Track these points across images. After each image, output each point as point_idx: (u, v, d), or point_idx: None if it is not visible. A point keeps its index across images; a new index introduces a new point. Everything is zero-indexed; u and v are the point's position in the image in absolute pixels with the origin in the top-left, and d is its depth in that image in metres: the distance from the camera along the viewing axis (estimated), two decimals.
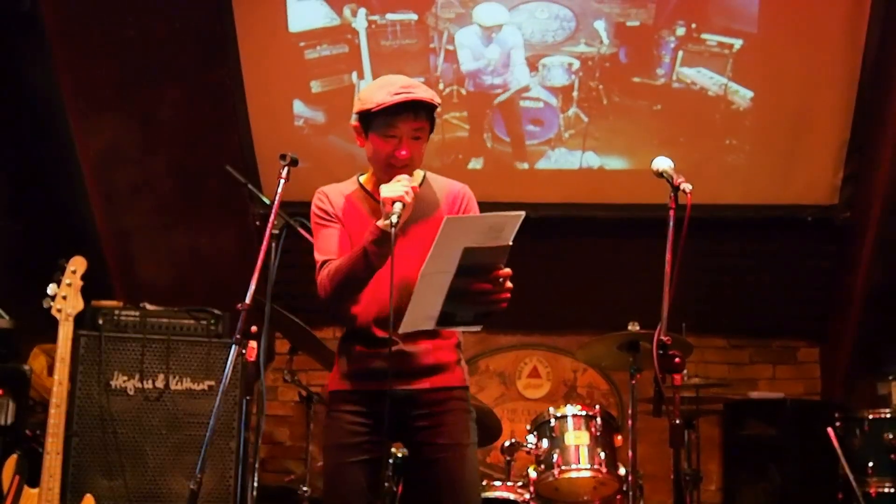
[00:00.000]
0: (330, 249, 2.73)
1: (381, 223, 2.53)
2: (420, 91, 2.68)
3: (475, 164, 5.56)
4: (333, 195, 2.82)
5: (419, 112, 2.67)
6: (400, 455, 3.93)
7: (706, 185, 5.07)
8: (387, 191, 2.55)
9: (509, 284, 2.51)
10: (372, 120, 2.68)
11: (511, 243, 2.46)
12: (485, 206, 2.80)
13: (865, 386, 5.37)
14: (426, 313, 2.52)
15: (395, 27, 5.34)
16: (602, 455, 4.04)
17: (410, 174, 2.69)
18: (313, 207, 2.82)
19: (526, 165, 5.62)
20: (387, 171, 2.69)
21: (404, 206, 2.52)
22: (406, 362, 2.68)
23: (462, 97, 5.45)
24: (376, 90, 2.69)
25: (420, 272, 2.45)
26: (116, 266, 5.38)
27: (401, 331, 2.55)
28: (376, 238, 2.54)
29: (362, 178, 2.85)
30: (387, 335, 2.61)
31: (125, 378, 3.93)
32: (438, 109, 2.75)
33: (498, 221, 2.43)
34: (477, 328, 2.60)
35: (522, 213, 2.45)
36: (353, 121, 2.75)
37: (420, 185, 2.76)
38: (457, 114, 5.49)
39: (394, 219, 2.48)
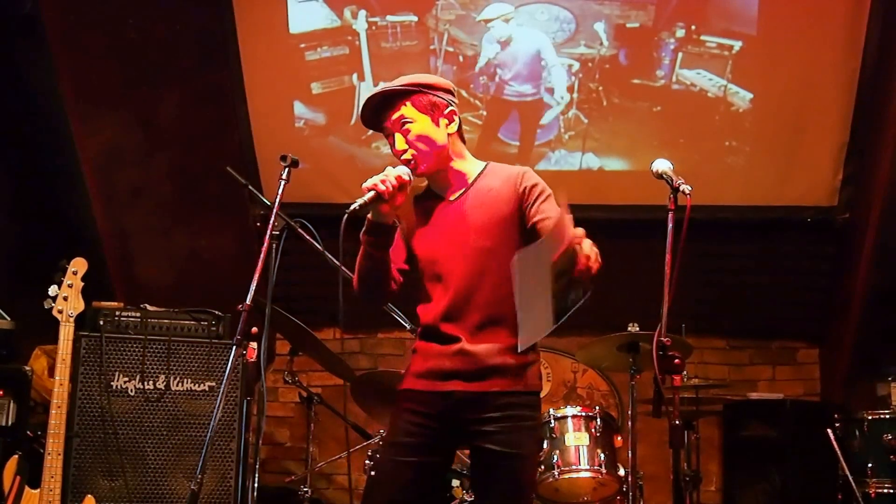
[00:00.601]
0: None
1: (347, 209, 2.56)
2: (379, 89, 2.72)
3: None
4: None
5: (392, 103, 2.68)
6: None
7: (706, 187, 5.09)
8: (367, 181, 2.59)
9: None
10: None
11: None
12: None
13: (865, 387, 5.38)
14: (540, 324, 2.43)
15: (396, 29, 5.35)
16: (602, 456, 4.04)
17: (429, 163, 2.69)
18: None
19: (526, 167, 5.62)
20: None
21: (376, 193, 2.54)
22: (470, 362, 2.62)
23: (463, 99, 5.46)
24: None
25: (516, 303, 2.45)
26: (117, 267, 5.38)
27: (520, 348, 2.52)
28: (365, 228, 2.62)
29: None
30: (455, 333, 2.62)
31: (126, 379, 3.93)
32: (430, 89, 2.72)
33: (550, 243, 2.39)
34: (586, 297, 2.49)
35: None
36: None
37: (478, 175, 2.77)
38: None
39: (354, 205, 2.53)
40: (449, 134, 2.74)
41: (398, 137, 2.68)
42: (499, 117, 5.53)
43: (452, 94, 2.77)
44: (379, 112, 2.71)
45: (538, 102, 5.50)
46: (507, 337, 2.62)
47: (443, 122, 2.72)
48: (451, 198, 2.75)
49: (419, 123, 2.68)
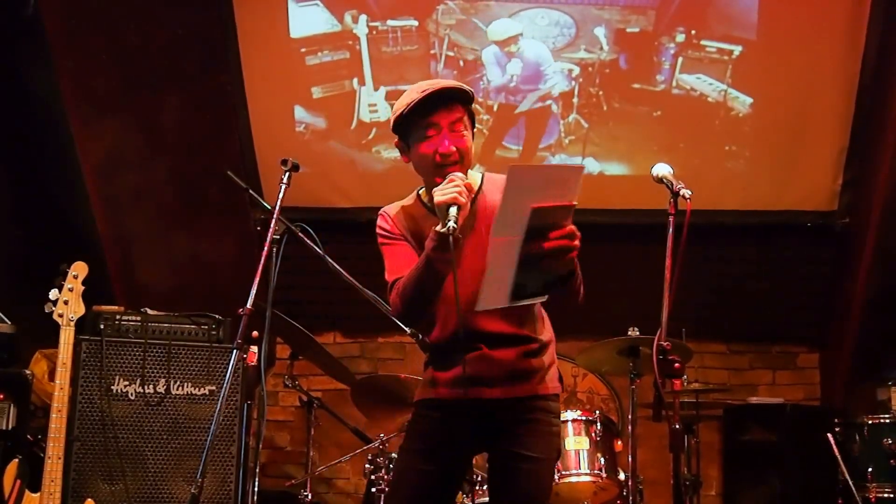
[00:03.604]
0: (397, 268, 2.63)
1: (439, 228, 2.39)
2: (447, 82, 2.62)
3: (483, 170, 5.57)
4: (394, 213, 2.73)
5: (452, 103, 2.58)
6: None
7: (706, 191, 5.09)
8: (439, 195, 2.42)
9: (577, 243, 2.37)
10: (409, 127, 2.61)
11: (576, 203, 2.32)
12: None
13: (865, 391, 5.38)
14: (500, 288, 2.37)
15: (396, 33, 5.35)
16: (602, 460, 4.04)
17: (464, 172, 2.57)
18: (377, 230, 2.74)
19: None
20: (437, 173, 2.56)
21: (460, 207, 2.39)
22: (488, 368, 2.61)
23: None
24: (405, 96, 2.63)
25: (490, 239, 2.31)
26: (118, 271, 5.38)
27: (478, 308, 2.42)
28: (437, 244, 2.41)
29: (421, 191, 2.77)
30: (474, 341, 2.58)
31: (126, 383, 3.94)
32: (474, 101, 2.66)
33: (561, 175, 2.33)
34: (543, 298, 2.50)
35: (584, 166, 2.35)
36: (395, 140, 2.69)
37: (480, 186, 2.70)
38: None
39: (451, 224, 2.35)
40: None
41: (449, 136, 2.57)
42: (504, 124, 5.54)
43: None
44: (436, 105, 2.57)
45: (543, 110, 5.50)
46: (523, 342, 2.65)
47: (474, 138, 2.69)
48: None
49: (469, 133, 2.63)
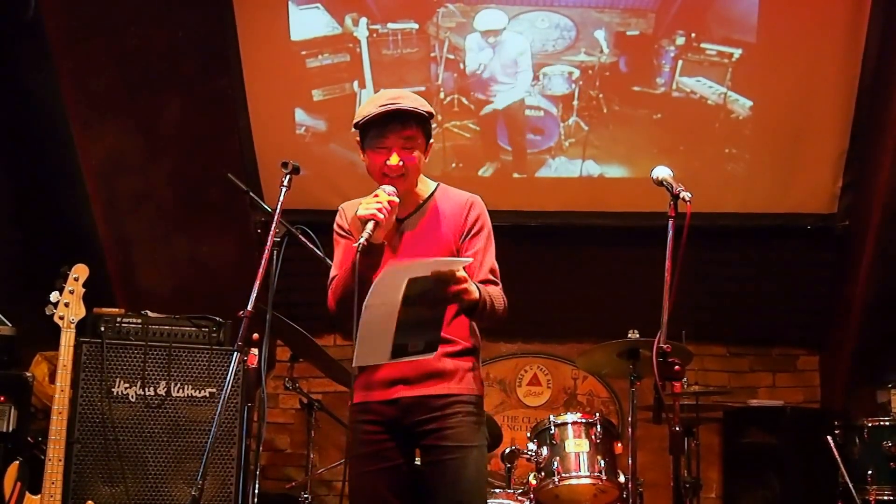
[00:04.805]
0: (339, 264, 2.81)
1: (355, 244, 2.57)
2: (407, 101, 2.73)
3: (482, 171, 5.59)
4: (350, 209, 2.87)
5: (407, 121, 2.72)
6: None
7: (706, 194, 5.09)
8: (362, 209, 2.62)
9: (458, 287, 2.53)
10: (365, 134, 2.77)
11: (455, 270, 2.50)
12: None
13: (865, 394, 5.38)
14: (378, 347, 2.53)
15: (397, 36, 5.36)
16: (602, 462, 4.04)
17: (409, 185, 2.76)
18: (334, 223, 2.90)
19: (526, 174, 5.64)
20: (381, 182, 2.74)
21: (377, 223, 2.58)
22: (412, 369, 2.71)
23: (463, 106, 5.47)
24: (367, 104, 2.77)
25: (364, 304, 2.47)
26: (118, 273, 5.39)
27: (354, 364, 2.59)
28: (361, 251, 2.58)
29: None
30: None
31: (127, 385, 3.94)
32: (433, 119, 2.80)
33: (445, 262, 2.51)
34: (430, 355, 2.64)
35: (470, 259, 2.58)
36: (356, 137, 2.82)
37: (430, 196, 2.85)
38: (458, 122, 5.51)
39: (362, 238, 2.55)
40: None
41: (397, 154, 2.71)
42: (493, 125, 5.54)
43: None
44: (388, 122, 2.72)
45: (525, 109, 5.51)
46: (446, 345, 2.73)
47: (426, 154, 2.82)
48: (402, 217, 2.82)
49: (419, 151, 2.76)
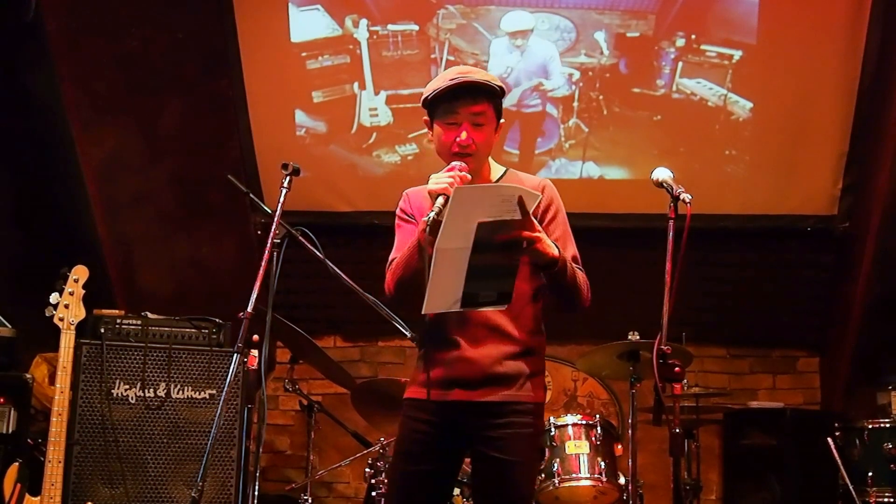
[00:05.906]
0: (399, 247, 2.71)
1: (425, 217, 2.44)
2: (477, 75, 2.66)
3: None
4: (414, 195, 2.80)
5: (478, 95, 2.63)
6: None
7: (706, 196, 5.08)
8: (432, 183, 2.52)
9: (530, 235, 2.41)
10: (434, 109, 2.68)
11: (525, 217, 2.37)
12: None
13: (865, 396, 5.37)
14: (448, 294, 2.42)
15: (397, 38, 5.36)
16: (602, 464, 4.04)
17: (478, 164, 2.66)
18: (397, 208, 2.82)
19: None
20: (451, 160, 2.63)
21: (448, 197, 2.41)
22: (470, 370, 2.62)
23: None
24: (437, 79, 2.70)
25: (434, 247, 2.35)
26: (118, 275, 5.39)
27: (424, 311, 2.46)
28: (430, 228, 2.43)
29: None
30: (459, 337, 2.61)
31: (126, 386, 3.94)
32: (504, 96, 2.71)
33: (511, 192, 2.36)
34: (502, 307, 2.51)
35: (539, 195, 2.40)
36: (424, 117, 2.74)
37: (499, 179, 2.77)
38: None
39: (432, 214, 2.41)
40: None
41: (468, 128, 2.63)
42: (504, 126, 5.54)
43: None
44: (458, 96, 2.63)
45: (539, 113, 5.51)
46: (508, 345, 2.64)
47: (496, 134, 2.74)
48: None
49: (489, 128, 2.68)
